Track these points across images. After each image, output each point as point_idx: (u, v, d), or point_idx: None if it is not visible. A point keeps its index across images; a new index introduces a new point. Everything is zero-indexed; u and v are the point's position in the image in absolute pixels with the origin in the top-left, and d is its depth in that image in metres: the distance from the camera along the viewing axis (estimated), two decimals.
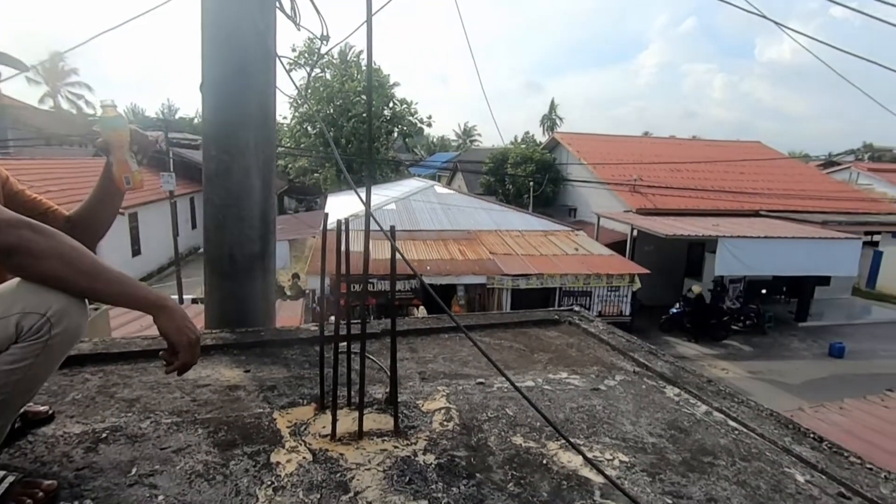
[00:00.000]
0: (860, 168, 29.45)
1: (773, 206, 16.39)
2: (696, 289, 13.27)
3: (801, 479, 1.29)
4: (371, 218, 1.32)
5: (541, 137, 48.46)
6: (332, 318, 1.51)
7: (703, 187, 17.09)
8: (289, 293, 14.92)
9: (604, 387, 1.81)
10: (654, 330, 13.44)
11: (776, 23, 3.79)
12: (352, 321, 1.50)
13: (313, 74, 27.63)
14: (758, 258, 12.38)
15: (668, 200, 16.32)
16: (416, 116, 28.92)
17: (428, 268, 11.32)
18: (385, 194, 17.46)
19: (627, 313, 12.10)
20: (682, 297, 13.67)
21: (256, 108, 2.22)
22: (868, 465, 1.35)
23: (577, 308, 2.79)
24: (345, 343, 1.47)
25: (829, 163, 33.29)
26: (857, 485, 1.24)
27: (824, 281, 15.24)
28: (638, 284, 11.89)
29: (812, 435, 1.51)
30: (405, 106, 28.57)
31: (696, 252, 15.35)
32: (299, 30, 2.26)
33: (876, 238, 18.62)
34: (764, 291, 14.92)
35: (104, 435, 1.33)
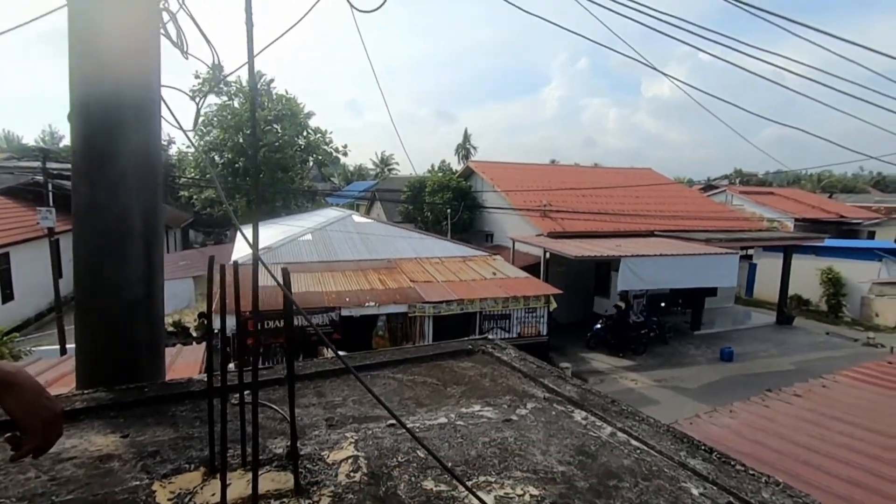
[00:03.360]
0: (733, 191, 33.50)
1: (665, 227, 18.04)
2: (618, 304, 14.23)
3: (695, 492, 1.35)
4: (259, 260, 1.22)
5: (456, 165, 49.92)
6: (233, 364, 1.36)
7: (605, 211, 18.44)
8: (196, 334, 13.77)
9: (515, 416, 1.81)
10: (570, 347, 14.07)
11: (654, 68, 4.22)
12: (250, 367, 1.37)
13: (221, 102, 26.47)
14: (655, 274, 13.49)
15: (576, 224, 17.39)
16: (331, 145, 28.59)
17: (347, 299, 11.01)
18: (300, 225, 16.89)
19: (545, 333, 12.55)
20: (604, 314, 14.56)
21: (137, 139, 2.03)
22: (751, 472, 1.45)
23: (490, 336, 2.81)
24: (246, 391, 1.34)
25: (709, 186, 37.55)
26: (743, 492, 1.32)
27: (712, 292, 16.92)
28: (554, 304, 12.42)
29: (703, 447, 1.60)
30: (320, 135, 28.16)
31: (604, 271, 16.43)
32: (186, 58, 2.12)
33: (750, 252, 21.16)
34: (663, 304, 16.26)
35: None
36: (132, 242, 2.03)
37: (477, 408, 1.89)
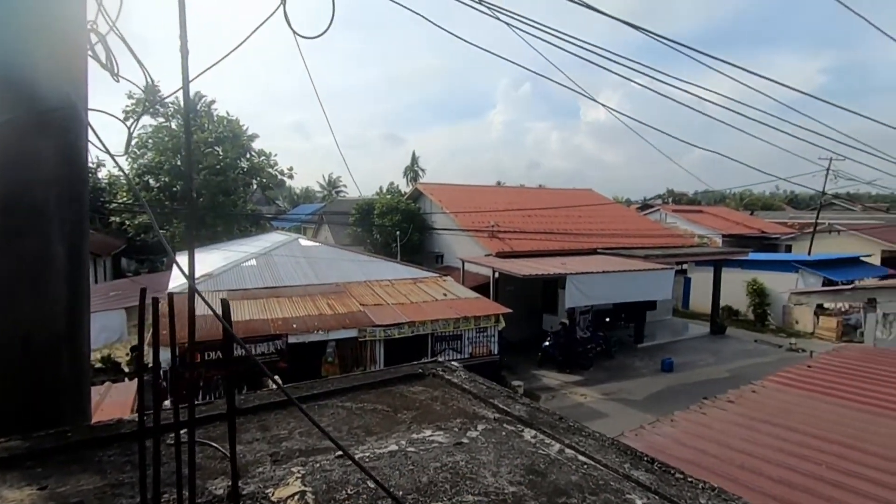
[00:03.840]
0: (667, 210, 35.64)
1: (606, 244, 18.85)
2: (563, 322, 14.59)
3: (639, 503, 1.40)
4: (195, 290, 1.17)
5: (405, 188, 50.13)
6: (168, 401, 1.28)
7: (551, 230, 19.06)
8: (128, 369, 12.82)
9: (466, 439, 1.81)
10: (521, 365, 14.24)
11: (590, 97, 4.47)
12: (187, 403, 1.30)
13: (155, 124, 25.35)
14: (599, 290, 14.01)
15: (523, 243, 17.83)
16: (276, 168, 27.94)
17: (294, 325, 10.66)
18: (244, 250, 16.28)
19: (496, 352, 12.66)
20: (551, 331, 14.85)
21: (60, 165, 1.90)
22: (690, 479, 1.52)
23: (441, 358, 2.81)
24: (183, 430, 1.26)
25: (645, 206, 39.72)
26: (682, 500, 1.38)
27: (652, 306, 17.75)
28: (503, 324, 12.58)
29: (646, 458, 1.66)
30: (264, 157, 27.49)
31: (551, 289, 16.86)
32: (117, 81, 2.04)
33: (685, 267, 22.46)
34: (608, 319, 16.87)
35: None
36: (53, 273, 1.89)
37: (428, 433, 1.87)
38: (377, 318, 11.30)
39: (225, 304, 1.31)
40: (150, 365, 1.27)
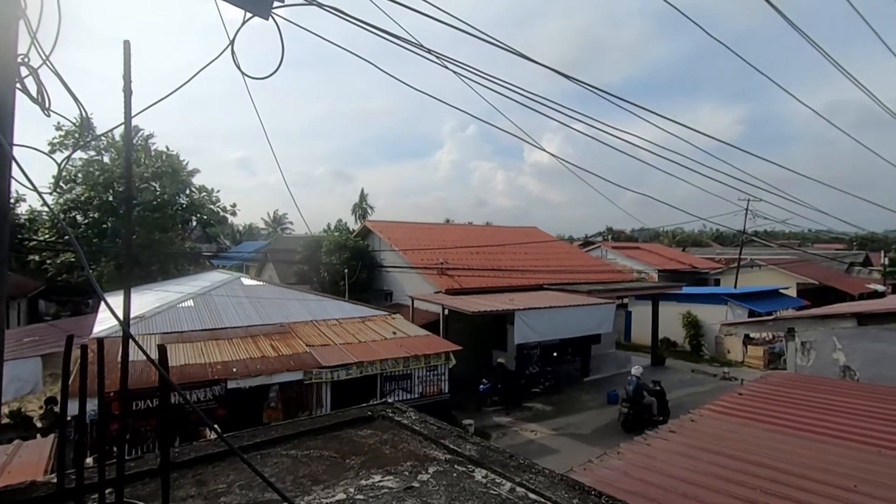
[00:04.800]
0: (607, 247, 37.37)
1: (551, 280, 19.41)
2: (500, 360, 14.57)
3: None
4: (129, 336, 1.12)
5: (353, 225, 49.74)
6: (91, 458, 1.18)
7: (498, 267, 19.43)
8: (41, 424, 11.53)
9: (417, 483, 1.78)
10: (472, 403, 14.11)
11: (533, 143, 4.72)
12: (115, 459, 1.20)
13: (86, 157, 24.01)
14: (546, 326, 14.30)
15: (471, 280, 18.03)
16: (218, 204, 26.99)
17: (234, 369, 10.09)
18: (180, 290, 15.41)
19: (446, 391, 12.50)
20: (491, 374, 14.73)
21: None
22: None
23: (390, 399, 2.76)
24: (109, 489, 1.16)
25: (587, 242, 41.45)
26: None
27: (596, 339, 18.27)
28: (453, 361, 12.50)
29: (594, 492, 1.70)
30: (205, 193, 26.55)
31: (500, 325, 17.03)
32: (48, 115, 1.95)
33: (625, 301, 23.44)
34: (555, 354, 17.17)
35: None
36: None
37: (377, 478, 1.82)
38: (324, 360, 10.92)
39: (162, 350, 1.25)
40: (71, 418, 1.18)
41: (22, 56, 2.04)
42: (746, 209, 27.83)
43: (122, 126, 1.74)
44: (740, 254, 30.67)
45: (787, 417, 5.00)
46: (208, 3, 2.41)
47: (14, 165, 1.72)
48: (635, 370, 13.19)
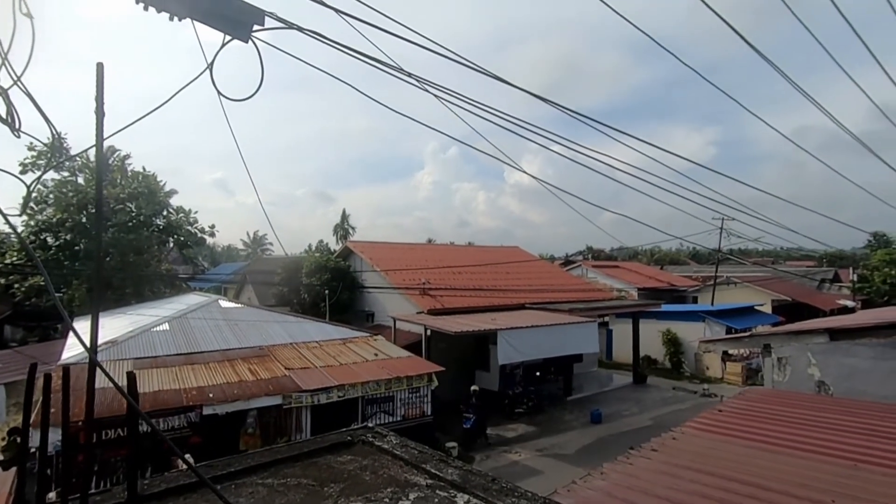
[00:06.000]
0: (587, 265, 37.80)
1: (533, 300, 19.50)
2: (474, 387, 13.85)
3: None
4: (96, 363, 1.08)
5: (335, 246, 49.43)
6: (54, 493, 1.12)
7: (481, 287, 19.45)
8: (3, 457, 10.95)
9: None
10: (455, 424, 13.90)
11: (513, 164, 4.78)
12: (78, 493, 1.14)
13: (60, 178, 23.49)
14: (530, 345, 14.29)
15: (454, 300, 17.98)
16: (196, 225, 26.55)
17: (210, 395, 9.80)
18: (155, 313, 15.01)
19: (429, 413, 12.33)
20: (467, 404, 13.56)
21: None
22: None
23: (371, 423, 2.71)
24: None
25: (567, 262, 41.89)
26: None
27: (578, 358, 18.34)
28: (435, 382, 12.36)
29: None
30: (182, 214, 26.12)
31: (483, 345, 16.97)
32: (18, 136, 1.91)
33: (607, 319, 23.65)
34: (538, 374, 17.13)
35: None
36: None
37: None
38: (304, 383, 10.69)
39: (131, 377, 1.21)
40: (34, 449, 1.12)
41: None
42: (721, 228, 28.56)
43: (94, 147, 1.71)
44: (716, 271, 31.34)
45: (765, 433, 5.06)
46: (190, 26, 2.41)
47: None
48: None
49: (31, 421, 1.24)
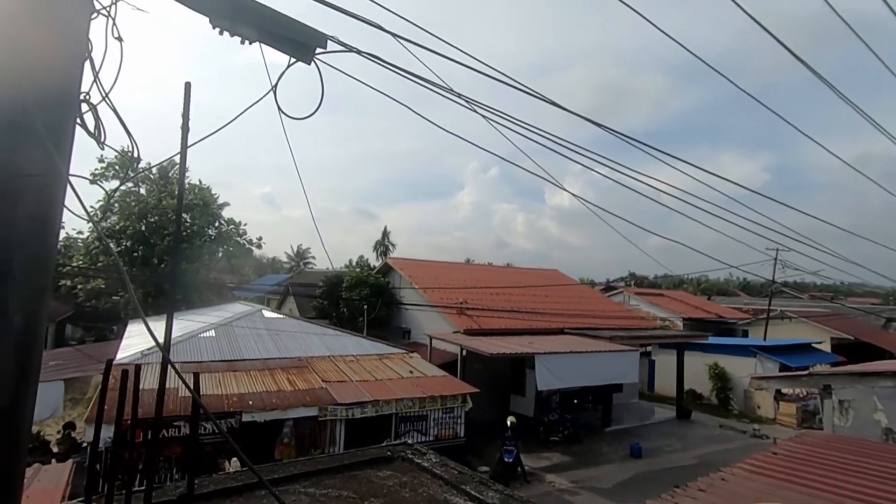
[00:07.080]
0: (629, 292, 36.70)
1: (572, 325, 19.06)
2: (511, 419, 12.76)
3: None
4: (169, 362, 1.14)
5: (374, 262, 50.24)
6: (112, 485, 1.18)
7: (519, 308, 19.20)
8: (57, 449, 11.56)
9: None
10: (488, 448, 13.62)
11: (557, 184, 4.76)
12: (142, 487, 1.20)
13: (124, 188, 25.11)
14: (568, 371, 13.91)
15: (491, 321, 17.82)
16: (244, 237, 27.68)
17: (250, 402, 10.05)
18: (202, 320, 15.64)
19: (462, 435, 12.15)
20: (504, 437, 12.24)
21: (31, 227, 1.86)
22: None
23: (409, 441, 2.70)
24: None
25: (608, 287, 40.80)
26: None
27: (618, 388, 17.69)
28: (469, 404, 12.20)
29: None
30: (232, 226, 27.29)
31: (519, 369, 16.67)
32: (103, 149, 2.07)
33: (649, 349, 22.77)
34: (576, 401, 16.62)
35: None
36: (5, 343, 1.78)
37: None
38: (339, 397, 10.80)
39: (196, 378, 1.27)
40: (86, 444, 1.19)
41: (84, 94, 2.20)
42: (775, 258, 27.16)
43: (168, 160, 1.84)
44: (769, 304, 29.68)
45: (825, 482, 4.69)
46: (249, 48, 2.56)
47: (70, 194, 1.82)
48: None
49: (86, 417, 1.31)
